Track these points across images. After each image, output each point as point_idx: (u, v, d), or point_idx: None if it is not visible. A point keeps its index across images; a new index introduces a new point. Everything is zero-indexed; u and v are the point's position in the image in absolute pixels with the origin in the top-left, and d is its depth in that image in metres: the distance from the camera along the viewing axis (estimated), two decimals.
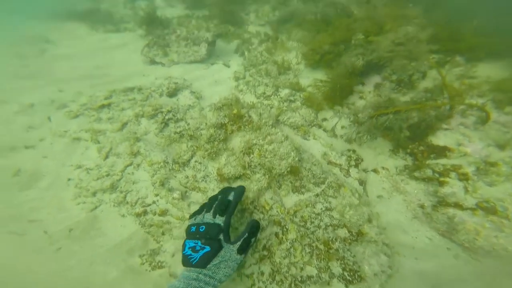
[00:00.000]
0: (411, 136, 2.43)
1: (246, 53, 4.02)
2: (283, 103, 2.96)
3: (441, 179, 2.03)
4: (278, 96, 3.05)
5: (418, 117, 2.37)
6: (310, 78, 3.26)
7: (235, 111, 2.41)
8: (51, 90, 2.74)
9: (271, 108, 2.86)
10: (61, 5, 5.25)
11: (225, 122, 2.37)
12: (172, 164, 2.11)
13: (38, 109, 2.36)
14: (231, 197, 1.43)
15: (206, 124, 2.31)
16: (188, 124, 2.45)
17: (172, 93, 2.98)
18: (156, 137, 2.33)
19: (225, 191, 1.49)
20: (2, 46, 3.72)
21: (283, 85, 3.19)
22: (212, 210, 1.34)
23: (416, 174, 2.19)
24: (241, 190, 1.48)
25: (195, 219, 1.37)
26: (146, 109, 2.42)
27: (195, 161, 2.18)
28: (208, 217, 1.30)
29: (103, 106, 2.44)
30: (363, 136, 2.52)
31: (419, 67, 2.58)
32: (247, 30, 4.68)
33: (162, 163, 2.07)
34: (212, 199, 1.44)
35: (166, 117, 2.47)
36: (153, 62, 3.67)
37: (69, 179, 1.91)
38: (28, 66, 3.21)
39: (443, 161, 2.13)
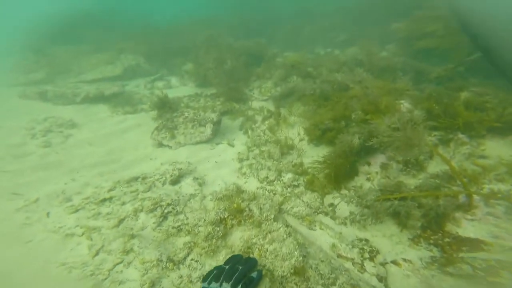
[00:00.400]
0: (425, 224, 2.22)
1: (249, 132, 4.22)
2: (287, 189, 2.88)
3: (490, 278, 1.73)
4: (281, 182, 3.00)
5: (430, 204, 2.21)
6: (314, 157, 3.26)
7: (235, 205, 2.34)
8: (62, 181, 2.84)
9: (274, 195, 2.79)
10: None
11: (225, 216, 2.27)
12: (166, 262, 1.93)
13: (41, 204, 2.39)
14: (254, 274, 1.49)
15: (205, 220, 2.21)
16: (187, 218, 2.36)
17: (175, 181, 3.01)
18: (153, 231, 2.22)
19: (242, 261, 1.55)
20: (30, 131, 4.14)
21: (286, 169, 3.17)
22: (232, 282, 1.34)
23: (450, 269, 1.89)
24: (258, 269, 1.54)
25: (209, 283, 1.37)
26: (145, 203, 2.40)
27: (191, 259, 1.99)
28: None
29: (104, 200, 2.45)
30: (367, 219, 2.33)
31: (422, 150, 2.55)
32: (251, 106, 5.06)
33: (155, 261, 1.92)
34: (232, 268, 1.45)
35: (166, 211, 2.41)
36: (161, 145, 3.89)
37: (47, 277, 1.72)
38: (49, 154, 3.46)
39: (481, 255, 1.88)
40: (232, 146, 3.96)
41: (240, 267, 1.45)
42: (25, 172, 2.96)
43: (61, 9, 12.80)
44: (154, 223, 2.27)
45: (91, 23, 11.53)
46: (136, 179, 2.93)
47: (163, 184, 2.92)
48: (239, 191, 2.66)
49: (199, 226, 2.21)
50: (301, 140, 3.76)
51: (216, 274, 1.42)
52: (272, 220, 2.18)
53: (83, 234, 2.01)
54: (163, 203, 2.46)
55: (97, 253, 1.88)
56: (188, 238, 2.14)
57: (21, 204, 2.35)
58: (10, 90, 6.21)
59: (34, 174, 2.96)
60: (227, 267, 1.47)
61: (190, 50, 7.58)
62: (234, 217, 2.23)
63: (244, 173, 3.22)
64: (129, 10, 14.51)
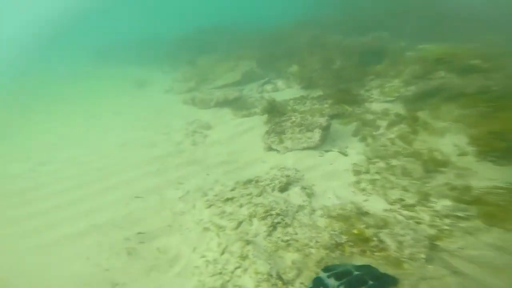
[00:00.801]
0: None
1: (369, 139, 3.66)
2: (442, 219, 2.20)
3: None
4: (430, 208, 2.32)
5: None
6: (492, 180, 2.32)
7: (356, 231, 2.09)
8: (202, 177, 3.73)
9: (417, 224, 2.19)
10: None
11: (342, 241, 2.09)
12: (276, 279, 2.06)
13: (191, 195, 3.25)
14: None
15: (317, 241, 2.15)
16: (296, 234, 2.39)
17: (284, 188, 3.13)
18: (264, 240, 2.44)
19: (376, 276, 1.26)
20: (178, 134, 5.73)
21: (438, 193, 2.42)
22: None
23: None
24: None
25: (328, 276, 1.24)
26: (258, 210, 2.67)
27: (301, 283, 2.01)
28: None
29: (227, 200, 2.96)
30: None
31: None
32: (369, 109, 4.36)
33: (266, 275, 2.07)
34: (361, 278, 1.23)
35: (275, 221, 2.57)
36: (270, 148, 4.17)
37: (195, 267, 2.35)
38: (195, 152, 4.64)
39: None
40: (345, 155, 3.62)
41: (370, 282, 1.21)
42: (182, 165, 4.15)
43: (195, 25, 16.52)
44: (265, 231, 2.48)
45: (219, 33, 14.15)
46: (250, 181, 3.32)
47: (273, 190, 3.13)
48: (360, 212, 2.37)
49: (310, 247, 2.19)
50: (462, 154, 2.80)
51: (339, 273, 1.26)
52: (423, 260, 1.74)
53: (214, 231, 2.55)
54: (273, 212, 2.64)
55: (223, 252, 2.31)
56: (297, 256, 2.17)
57: (180, 194, 3.31)
58: (176, 97, 8.78)
59: (187, 168, 4.06)
60: (356, 273, 1.26)
61: (294, 52, 7.59)
62: (354, 244, 2.01)
63: (364, 189, 2.85)
64: (248, 18, 16.38)
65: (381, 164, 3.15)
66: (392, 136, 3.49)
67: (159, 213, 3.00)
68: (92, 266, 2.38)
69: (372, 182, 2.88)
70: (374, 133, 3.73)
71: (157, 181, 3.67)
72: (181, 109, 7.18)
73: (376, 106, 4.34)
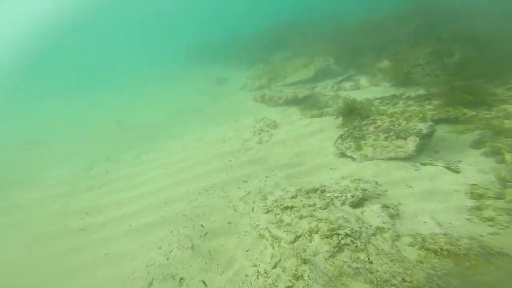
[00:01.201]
0: None
1: (507, 154, 2.65)
2: None
3: None
4: None
5: None
6: None
7: (481, 277, 1.48)
8: (263, 178, 3.67)
9: None
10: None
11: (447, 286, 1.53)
12: None
13: (251, 197, 3.23)
14: None
15: (405, 280, 1.66)
16: (371, 262, 1.95)
17: (357, 203, 2.64)
18: (325, 261, 2.10)
19: None
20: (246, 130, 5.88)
21: None
22: None
23: None
24: None
25: None
26: (321, 226, 2.33)
27: None
28: None
29: (287, 208, 2.75)
30: None
31: None
32: (507, 112, 3.16)
33: None
34: None
35: (343, 242, 2.17)
36: (343, 155, 3.65)
37: (246, 275, 2.28)
38: (260, 151, 4.62)
39: None
40: (456, 171, 2.78)
41: None
42: (247, 164, 4.23)
43: (272, 21, 16.73)
44: (327, 251, 2.14)
45: (295, 29, 13.88)
46: (315, 190, 2.98)
47: (342, 204, 2.70)
48: (484, 249, 1.71)
49: (392, 285, 1.72)
50: None
51: None
52: None
53: (269, 240, 2.41)
54: (341, 232, 2.24)
55: (275, 266, 2.13)
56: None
57: (242, 193, 3.35)
58: (248, 94, 9.20)
59: (251, 167, 4.09)
60: None
61: (386, 45, 6.48)
62: None
63: (492, 220, 2.09)
64: (323, 11, 15.34)
65: None
66: None
67: (223, 211, 3.12)
68: (161, 255, 2.68)
69: (508, 212, 2.06)
70: None
71: (224, 177, 3.86)
72: (251, 106, 7.44)
73: None
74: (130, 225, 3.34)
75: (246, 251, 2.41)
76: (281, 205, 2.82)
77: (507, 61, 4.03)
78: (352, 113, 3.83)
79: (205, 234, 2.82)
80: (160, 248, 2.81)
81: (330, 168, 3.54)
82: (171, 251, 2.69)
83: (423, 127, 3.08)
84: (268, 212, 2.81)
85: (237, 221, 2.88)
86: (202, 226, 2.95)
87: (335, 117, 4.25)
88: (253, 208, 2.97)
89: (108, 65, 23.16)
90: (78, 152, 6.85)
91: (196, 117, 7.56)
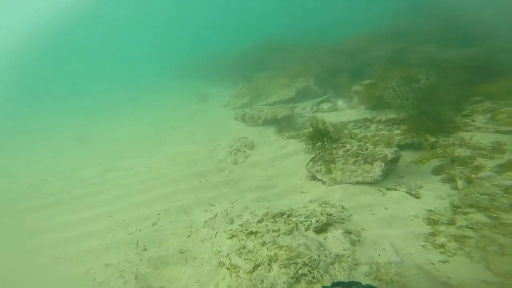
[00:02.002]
0: None
1: (460, 182, 2.91)
2: None
3: None
4: None
5: None
6: None
7: None
8: (231, 200, 3.71)
9: None
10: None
11: None
12: None
13: (217, 220, 3.24)
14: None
15: None
16: None
17: (321, 229, 2.72)
18: None
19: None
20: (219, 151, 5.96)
21: None
22: None
23: None
24: None
25: None
26: (281, 254, 2.37)
27: None
28: None
29: (251, 233, 2.78)
30: None
31: None
32: (466, 141, 3.50)
33: None
34: None
35: (300, 272, 2.22)
36: (314, 178, 3.80)
37: None
38: (234, 172, 4.66)
39: None
40: (416, 197, 2.98)
41: None
42: (218, 185, 4.25)
43: (256, 40, 17.65)
44: (284, 283, 2.17)
45: (279, 48, 14.67)
46: (282, 215, 3.04)
47: (307, 229, 2.77)
48: (432, 278, 1.81)
49: None
50: None
51: (346, 283, 1.37)
52: None
53: (228, 268, 2.40)
54: (299, 261, 2.29)
55: None
56: None
57: (208, 216, 3.35)
58: (230, 112, 9.38)
59: (222, 188, 4.12)
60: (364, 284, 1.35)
61: (362, 68, 7.07)
62: None
63: (442, 246, 2.24)
64: (309, 33, 16.51)
65: (481, 217, 2.42)
66: (508, 183, 2.64)
67: (182, 235, 3.08)
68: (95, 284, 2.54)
69: (460, 238, 2.23)
70: (472, 175, 2.92)
71: (190, 199, 3.85)
72: (231, 125, 7.59)
73: (480, 138, 3.43)
74: (67, 252, 3.17)
75: (197, 281, 2.38)
76: (246, 229, 2.85)
77: (470, 87, 4.51)
78: (324, 135, 4.02)
79: (157, 262, 2.75)
80: (94, 280, 2.68)
81: (301, 192, 3.66)
82: (109, 282, 2.57)
83: (389, 152, 3.32)
84: (232, 237, 2.82)
85: (197, 247, 2.85)
86: (155, 253, 2.88)
87: (304, 142, 4.38)
88: (217, 232, 2.97)
89: (93, 77, 23.00)
90: (28, 168, 6.54)
91: (171, 135, 7.55)
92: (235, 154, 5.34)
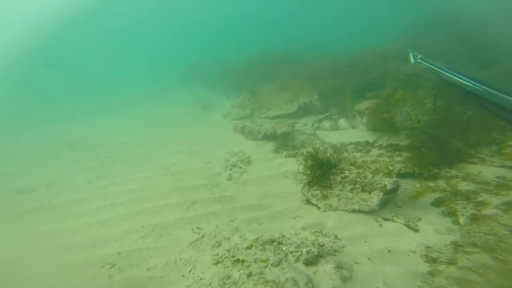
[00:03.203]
0: None
1: (462, 218, 2.83)
2: None
3: None
4: None
5: None
6: None
7: None
8: (224, 220, 3.63)
9: None
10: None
11: None
12: None
13: (203, 242, 3.15)
14: None
15: None
16: None
17: (311, 261, 2.63)
18: None
19: None
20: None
21: None
22: None
23: None
24: None
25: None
26: None
27: None
28: None
29: (238, 261, 2.69)
30: None
31: None
32: (471, 174, 3.43)
33: None
34: None
35: None
36: (309, 202, 3.71)
37: None
38: (227, 188, 4.58)
39: None
40: (414, 230, 2.91)
41: None
42: (209, 202, 4.18)
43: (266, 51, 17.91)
44: None
45: (287, 61, 14.86)
46: (272, 242, 2.95)
47: (296, 260, 2.67)
48: None
49: None
50: None
51: None
52: None
53: None
54: None
55: None
56: None
57: (195, 237, 3.27)
58: (230, 123, 9.43)
59: (214, 206, 4.05)
60: None
61: (368, 87, 7.08)
62: None
63: None
64: (320, 46, 16.75)
65: (486, 258, 2.32)
66: None
67: (163, 256, 2.99)
68: None
69: (463, 283, 2.13)
70: (476, 212, 2.84)
71: (178, 215, 3.78)
72: (230, 137, 7.58)
73: (486, 171, 3.38)
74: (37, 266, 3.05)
75: None
76: (233, 256, 2.76)
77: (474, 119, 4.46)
78: (322, 166, 3.84)
79: (131, 286, 2.65)
80: None
81: (294, 217, 3.57)
82: None
83: (388, 182, 3.25)
84: (217, 263, 2.73)
85: (178, 272, 2.76)
86: (130, 275, 2.77)
87: (303, 172, 4.20)
88: (201, 256, 2.88)
89: (99, 79, 23.40)
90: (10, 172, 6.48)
91: (168, 143, 7.54)
92: (230, 169, 5.29)
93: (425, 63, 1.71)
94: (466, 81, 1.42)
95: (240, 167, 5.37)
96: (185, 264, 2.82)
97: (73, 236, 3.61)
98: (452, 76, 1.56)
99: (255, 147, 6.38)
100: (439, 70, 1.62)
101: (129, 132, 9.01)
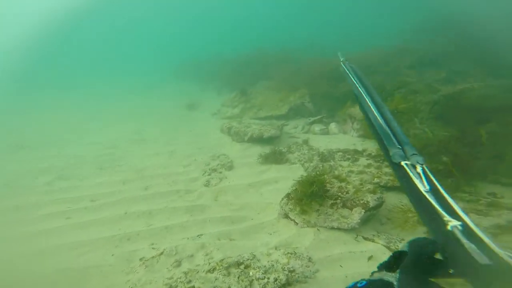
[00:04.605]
0: None
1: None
2: None
3: None
4: None
5: None
6: None
7: None
8: (191, 234, 3.31)
9: None
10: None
11: None
12: None
13: (161, 261, 2.83)
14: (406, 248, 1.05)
15: None
16: None
17: None
18: None
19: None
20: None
21: None
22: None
23: None
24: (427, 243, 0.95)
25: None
26: None
27: None
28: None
29: None
30: None
31: None
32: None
33: None
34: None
35: None
36: (286, 216, 3.42)
37: None
38: (202, 196, 4.25)
39: None
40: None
41: None
42: (180, 211, 3.86)
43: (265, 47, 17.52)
44: None
45: (285, 59, 14.50)
46: (239, 264, 2.65)
47: None
48: None
49: None
50: None
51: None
52: None
53: None
54: None
55: None
56: None
57: (152, 253, 2.95)
58: (218, 122, 9.08)
59: (182, 216, 3.72)
60: None
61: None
62: None
63: None
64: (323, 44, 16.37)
65: None
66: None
67: (110, 277, 2.66)
68: None
69: None
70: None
71: (139, 227, 3.45)
72: (216, 138, 7.26)
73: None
74: None
75: None
76: (189, 282, 2.45)
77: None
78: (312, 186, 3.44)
79: None
80: None
81: (270, 233, 3.28)
82: None
83: (371, 198, 2.97)
84: None
85: None
86: None
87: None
88: (154, 278, 2.56)
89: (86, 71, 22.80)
90: None
91: (147, 143, 7.17)
92: (209, 175, 4.97)
93: (343, 67, 1.71)
94: (367, 101, 1.38)
95: (220, 172, 5.06)
96: None
97: (13, 247, 3.21)
98: (357, 87, 1.53)
99: (240, 150, 6.08)
100: (350, 77, 1.62)
101: (110, 129, 8.62)
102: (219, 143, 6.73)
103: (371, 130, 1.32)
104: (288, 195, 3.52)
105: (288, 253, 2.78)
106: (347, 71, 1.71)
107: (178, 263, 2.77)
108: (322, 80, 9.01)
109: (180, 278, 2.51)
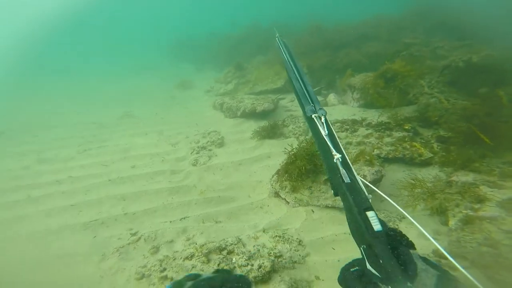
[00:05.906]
0: None
1: (451, 219, 2.21)
2: None
3: None
4: None
5: None
6: None
7: None
8: (172, 217, 3.00)
9: None
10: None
11: None
12: None
13: (139, 246, 2.55)
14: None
15: None
16: None
17: (262, 279, 2.05)
18: None
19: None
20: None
21: None
22: None
23: None
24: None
25: None
26: None
27: None
28: None
29: (166, 278, 2.10)
30: None
31: None
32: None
33: None
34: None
35: None
36: (277, 195, 3.08)
37: None
38: (190, 176, 3.94)
39: None
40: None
41: None
42: (164, 193, 3.53)
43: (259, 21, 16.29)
44: None
45: (285, 32, 13.41)
46: (221, 250, 2.34)
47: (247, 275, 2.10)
48: None
49: None
50: None
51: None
52: None
53: None
54: None
55: None
56: None
57: (126, 241, 2.66)
58: (211, 99, 8.52)
59: (167, 198, 3.40)
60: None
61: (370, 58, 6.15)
62: None
63: None
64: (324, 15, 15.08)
65: (477, 276, 1.67)
66: None
67: (78, 266, 2.38)
68: None
69: None
70: (470, 213, 2.19)
71: (119, 211, 3.15)
72: (208, 115, 6.83)
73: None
74: None
75: None
76: (163, 270, 2.16)
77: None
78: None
79: None
80: None
81: (258, 214, 2.95)
82: None
83: (369, 172, 2.58)
84: (142, 278, 2.15)
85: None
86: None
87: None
88: (126, 266, 2.28)
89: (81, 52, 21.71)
90: None
91: (137, 122, 6.74)
92: (197, 153, 4.59)
93: (278, 42, 1.82)
94: (292, 69, 1.51)
95: (210, 150, 4.68)
96: (102, 277, 2.22)
97: None
98: (286, 59, 1.64)
99: (232, 126, 5.65)
100: (282, 50, 1.72)
101: (101, 110, 8.17)
102: (211, 121, 6.29)
103: (294, 93, 1.44)
104: (278, 172, 3.15)
105: (276, 236, 2.46)
106: (280, 45, 1.80)
107: (156, 250, 2.49)
108: (320, 51, 8.30)
109: (154, 266, 2.22)
